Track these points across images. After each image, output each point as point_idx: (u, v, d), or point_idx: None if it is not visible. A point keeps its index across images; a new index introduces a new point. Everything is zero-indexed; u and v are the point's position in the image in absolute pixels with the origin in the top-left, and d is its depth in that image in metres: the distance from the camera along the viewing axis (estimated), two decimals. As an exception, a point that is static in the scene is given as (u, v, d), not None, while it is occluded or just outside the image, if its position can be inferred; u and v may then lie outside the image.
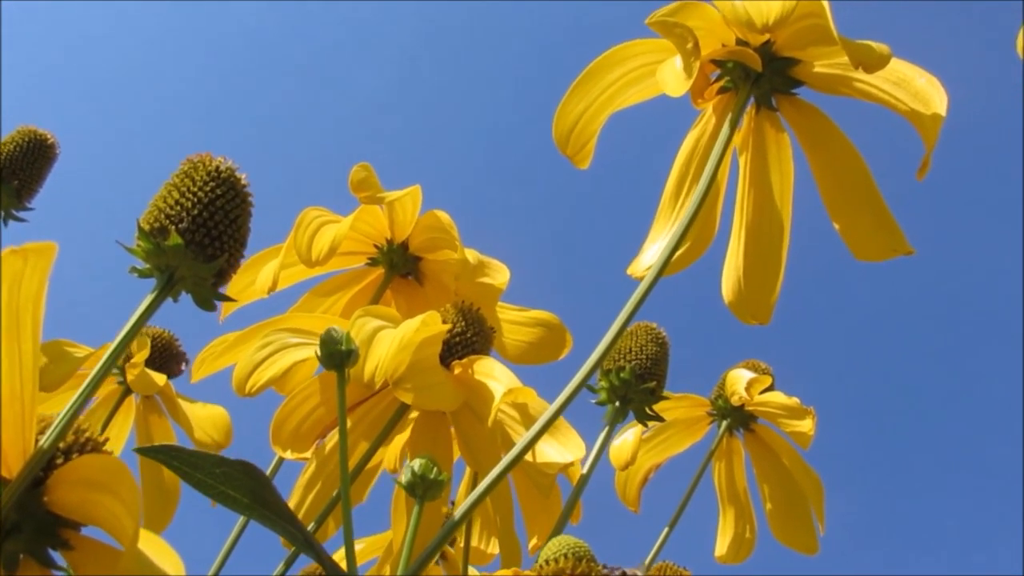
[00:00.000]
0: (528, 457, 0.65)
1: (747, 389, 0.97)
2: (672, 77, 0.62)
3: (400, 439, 0.77)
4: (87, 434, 0.46)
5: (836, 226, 0.67)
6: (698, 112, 0.72)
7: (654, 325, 0.87)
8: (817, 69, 0.67)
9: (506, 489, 0.73)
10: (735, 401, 0.99)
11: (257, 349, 0.71)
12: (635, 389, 0.84)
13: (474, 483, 0.73)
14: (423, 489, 0.56)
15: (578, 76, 0.68)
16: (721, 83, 0.69)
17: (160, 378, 1.00)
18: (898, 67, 0.63)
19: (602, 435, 0.83)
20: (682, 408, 1.04)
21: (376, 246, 0.87)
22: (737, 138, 0.71)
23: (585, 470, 0.79)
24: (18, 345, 0.42)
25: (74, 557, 0.44)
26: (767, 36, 0.65)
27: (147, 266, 0.55)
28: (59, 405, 0.55)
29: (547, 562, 0.51)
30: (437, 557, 1.01)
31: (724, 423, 1.03)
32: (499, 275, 0.83)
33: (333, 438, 0.73)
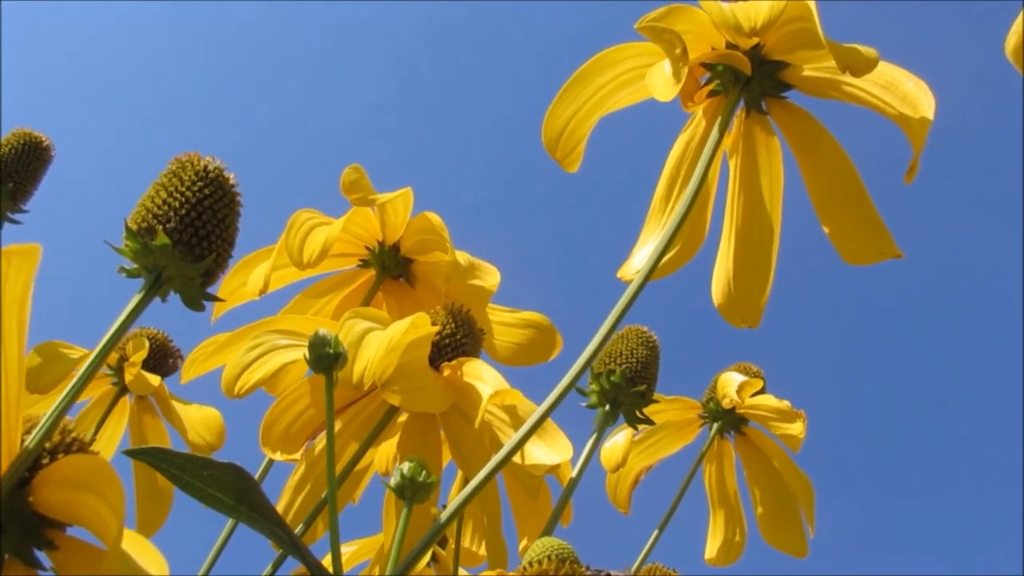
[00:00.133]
0: (516, 459, 0.65)
1: (738, 392, 0.97)
2: (661, 81, 0.62)
3: (391, 442, 0.77)
4: (73, 434, 0.46)
5: (825, 229, 0.67)
6: (689, 115, 0.73)
7: (645, 329, 0.88)
8: (806, 73, 0.67)
9: (494, 491, 0.73)
10: (726, 404, 1.00)
11: (247, 351, 0.71)
12: (625, 392, 0.85)
13: (465, 485, 0.73)
14: (412, 492, 0.56)
15: (567, 80, 0.68)
16: (711, 86, 0.69)
17: (155, 379, 1.00)
18: (886, 71, 0.63)
19: (592, 438, 0.83)
20: (673, 410, 1.04)
21: (368, 248, 0.88)
22: (727, 141, 0.71)
23: (575, 472, 0.79)
24: (2, 346, 0.42)
25: (59, 557, 0.44)
26: (756, 40, 0.65)
27: (135, 266, 0.55)
28: (53, 406, 0.55)
29: (531, 564, 0.51)
30: (429, 559, 1.01)
31: (715, 426, 1.03)
32: (489, 277, 0.83)
33: (323, 440, 0.73)
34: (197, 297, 0.56)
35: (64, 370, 0.91)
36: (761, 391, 1.00)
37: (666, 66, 0.63)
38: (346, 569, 0.98)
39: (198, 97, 3.18)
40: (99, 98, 3.03)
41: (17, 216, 1.12)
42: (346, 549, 0.99)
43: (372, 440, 0.72)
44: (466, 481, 0.73)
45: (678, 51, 0.60)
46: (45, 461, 0.44)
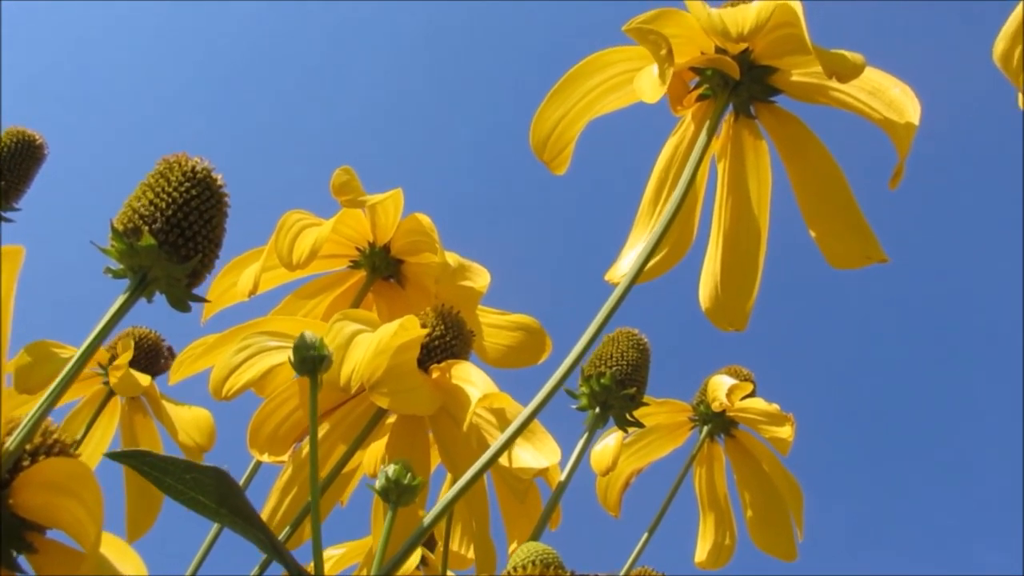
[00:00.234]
0: (504, 462, 0.65)
1: (728, 395, 0.97)
2: (648, 84, 0.62)
3: (380, 443, 0.77)
4: (55, 436, 0.46)
5: (812, 233, 0.67)
6: (678, 119, 0.73)
7: (635, 331, 0.87)
8: (795, 78, 0.67)
9: (482, 493, 0.73)
10: (716, 407, 1.00)
11: (235, 352, 0.71)
12: (615, 395, 0.84)
13: (453, 487, 0.73)
14: (397, 494, 0.56)
15: (556, 83, 0.68)
16: (700, 90, 0.69)
17: (144, 379, 1.00)
18: (873, 76, 0.63)
19: (582, 440, 0.83)
20: (664, 413, 1.04)
21: (358, 249, 0.88)
22: (716, 145, 0.71)
23: (565, 475, 0.79)
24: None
25: (38, 560, 0.44)
26: (744, 44, 0.65)
27: (121, 266, 0.55)
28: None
29: (515, 569, 0.51)
30: (418, 562, 1.01)
31: (705, 429, 1.03)
32: (479, 278, 0.83)
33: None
34: (183, 298, 0.56)
35: (54, 370, 0.91)
36: (751, 394, 1.00)
37: (654, 68, 0.63)
38: (335, 573, 0.98)
39: (195, 97, 3.18)
40: (97, 97, 3.04)
41: (9, 214, 1.12)
42: (335, 552, 0.98)
43: (360, 442, 0.72)
44: (454, 484, 0.73)
45: (664, 52, 0.60)
46: (26, 463, 0.44)
